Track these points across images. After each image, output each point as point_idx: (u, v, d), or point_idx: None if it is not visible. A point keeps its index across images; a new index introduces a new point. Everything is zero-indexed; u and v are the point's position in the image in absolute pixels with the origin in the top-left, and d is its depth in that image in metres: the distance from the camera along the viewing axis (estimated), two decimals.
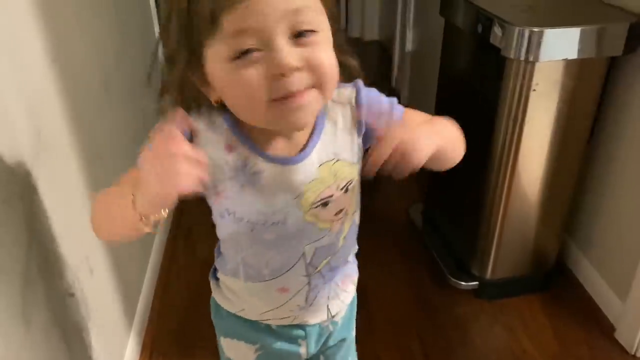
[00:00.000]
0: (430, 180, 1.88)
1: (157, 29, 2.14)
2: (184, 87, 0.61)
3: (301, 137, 0.66)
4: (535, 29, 1.17)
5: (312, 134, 0.67)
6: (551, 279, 1.63)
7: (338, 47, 0.61)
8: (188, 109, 0.62)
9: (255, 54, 0.54)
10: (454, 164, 0.75)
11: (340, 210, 0.71)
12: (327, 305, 0.81)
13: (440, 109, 1.74)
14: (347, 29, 3.96)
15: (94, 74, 1.29)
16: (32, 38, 0.96)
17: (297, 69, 0.54)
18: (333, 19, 0.61)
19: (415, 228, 1.88)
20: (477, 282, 1.60)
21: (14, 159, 0.84)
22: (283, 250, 0.71)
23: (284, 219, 0.68)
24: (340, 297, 0.83)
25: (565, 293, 1.61)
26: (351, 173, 0.70)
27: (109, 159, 1.28)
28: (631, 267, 1.37)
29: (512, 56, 1.21)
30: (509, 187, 1.43)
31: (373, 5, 3.73)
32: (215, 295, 0.84)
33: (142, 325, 1.47)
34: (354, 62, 0.67)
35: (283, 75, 0.54)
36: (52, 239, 0.95)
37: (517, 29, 1.18)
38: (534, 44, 1.18)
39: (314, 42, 0.56)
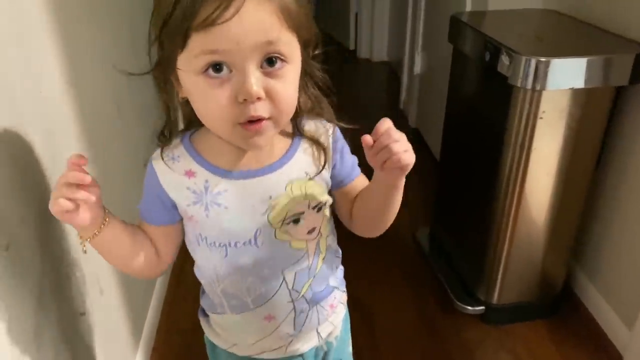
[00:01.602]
0: (437, 204, 1.89)
1: None
2: (165, 83, 0.65)
3: (272, 154, 0.70)
4: (542, 59, 1.19)
5: (286, 152, 0.71)
6: (558, 305, 1.63)
7: (315, 86, 0.69)
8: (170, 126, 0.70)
9: (224, 74, 0.57)
10: (385, 226, 0.76)
11: (313, 229, 0.73)
12: (317, 330, 0.83)
13: (448, 133, 1.76)
14: (355, 50, 4.01)
15: (108, 96, 1.31)
16: (51, 63, 0.98)
17: (260, 98, 0.58)
18: (310, 48, 0.65)
19: (422, 252, 1.89)
20: (483, 307, 1.60)
21: (30, 181, 0.86)
22: (262, 275, 0.73)
23: (254, 237, 0.70)
24: (329, 319, 0.84)
25: (572, 320, 1.60)
26: (322, 195, 0.73)
27: (117, 182, 1.31)
28: (638, 294, 1.37)
29: (519, 85, 1.23)
30: (516, 213, 1.44)
31: (382, 27, 3.78)
32: (207, 332, 0.86)
33: (149, 345, 1.48)
34: (327, 107, 0.72)
35: (246, 100, 0.58)
36: (65, 260, 0.97)
37: (524, 58, 1.20)
38: (541, 73, 1.20)
39: (281, 75, 0.59)
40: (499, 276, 1.55)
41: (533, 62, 1.19)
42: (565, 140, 1.32)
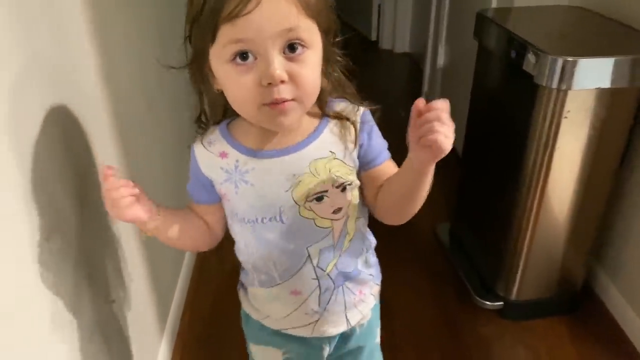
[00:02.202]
0: (458, 200, 1.90)
1: None
2: (201, 75, 0.71)
3: (298, 135, 0.73)
4: (569, 58, 1.19)
5: (312, 132, 0.74)
6: (577, 303, 1.63)
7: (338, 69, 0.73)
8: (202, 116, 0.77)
9: (251, 61, 0.63)
10: (412, 213, 0.75)
11: (339, 209, 0.75)
12: (346, 315, 0.86)
13: (471, 129, 1.76)
14: (377, 41, 4.00)
15: (139, 93, 1.35)
16: (87, 63, 1.02)
17: (283, 82, 0.63)
18: (331, 35, 0.69)
19: (443, 247, 1.90)
20: (502, 303, 1.61)
21: (67, 176, 0.90)
22: (287, 250, 0.77)
23: (279, 213, 0.74)
24: (358, 307, 0.87)
25: (592, 318, 1.61)
26: (347, 174, 0.74)
27: (145, 177, 1.34)
28: None
29: (544, 84, 1.23)
30: (538, 209, 1.44)
31: (405, 18, 3.77)
32: (243, 304, 0.91)
33: (174, 330, 1.53)
34: (351, 90, 0.76)
35: (271, 84, 0.62)
36: (97, 251, 1.01)
37: (550, 58, 1.20)
38: (568, 73, 1.20)
39: (302, 59, 0.64)
40: (519, 272, 1.56)
41: (560, 61, 1.19)
42: (589, 140, 1.32)
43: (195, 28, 0.65)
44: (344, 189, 0.74)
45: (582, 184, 1.40)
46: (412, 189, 0.70)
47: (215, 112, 0.77)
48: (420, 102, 0.61)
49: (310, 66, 0.65)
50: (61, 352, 0.83)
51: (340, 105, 0.76)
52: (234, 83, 0.65)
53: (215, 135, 0.77)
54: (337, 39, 0.72)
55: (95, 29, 1.05)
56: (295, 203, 0.73)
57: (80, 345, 0.89)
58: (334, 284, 0.81)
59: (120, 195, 0.68)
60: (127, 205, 0.69)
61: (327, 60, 0.70)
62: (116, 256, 1.09)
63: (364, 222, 0.82)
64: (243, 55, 0.63)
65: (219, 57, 0.65)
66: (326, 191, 0.73)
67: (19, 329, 0.72)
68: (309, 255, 0.77)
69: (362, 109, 0.76)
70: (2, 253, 0.69)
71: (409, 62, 3.71)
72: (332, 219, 0.76)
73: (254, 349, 0.95)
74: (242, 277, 0.90)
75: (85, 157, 0.96)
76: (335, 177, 0.73)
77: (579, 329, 1.57)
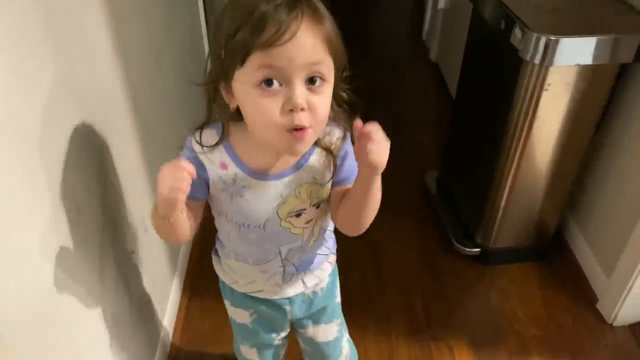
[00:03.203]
0: (447, 148, 2.00)
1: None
2: (215, 93, 0.77)
3: (289, 160, 0.83)
4: (552, 37, 1.26)
5: (301, 160, 0.84)
6: (548, 251, 1.80)
7: (339, 99, 0.80)
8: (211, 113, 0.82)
9: (276, 87, 0.68)
10: (364, 226, 0.85)
11: (310, 220, 0.89)
12: (302, 280, 1.01)
13: (463, 78, 1.85)
14: None
15: (147, 48, 1.42)
16: (95, 20, 1.08)
17: (303, 110, 0.70)
18: (340, 71, 0.76)
19: (429, 194, 2.04)
20: (479, 249, 1.77)
21: (91, 153, 1.01)
22: (263, 249, 0.91)
23: (263, 224, 0.86)
24: (314, 273, 1.01)
25: (559, 264, 1.78)
26: (323, 195, 0.87)
27: (158, 133, 1.45)
28: (619, 248, 1.53)
29: (528, 59, 1.31)
30: (517, 168, 1.55)
31: None
32: (216, 269, 1.05)
33: (183, 271, 1.71)
34: (345, 121, 0.83)
35: (292, 111, 0.69)
36: (119, 207, 1.15)
37: (535, 36, 1.27)
38: (550, 51, 1.27)
39: (320, 91, 0.71)
40: (497, 222, 1.70)
41: (543, 39, 1.26)
42: (568, 111, 1.41)
43: (227, 48, 0.68)
44: (318, 206, 0.87)
45: (559, 148, 1.50)
46: (361, 201, 0.80)
47: (222, 119, 0.82)
48: (357, 123, 0.71)
49: (326, 97, 0.72)
50: (89, 299, 0.99)
51: (331, 138, 0.83)
52: (258, 106, 0.70)
53: (213, 139, 0.81)
54: (344, 74, 0.78)
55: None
56: (278, 217, 0.85)
57: (106, 295, 1.05)
58: (296, 270, 0.97)
59: (184, 179, 0.71)
60: (182, 189, 0.71)
61: (334, 94, 0.77)
62: (133, 212, 1.23)
63: (326, 218, 0.93)
64: (269, 82, 0.68)
65: (245, 80, 0.69)
66: (304, 209, 0.86)
67: (59, 284, 0.87)
68: (280, 252, 0.92)
69: (348, 139, 0.84)
70: (47, 224, 0.83)
71: (413, 1, 3.67)
72: (304, 228, 0.89)
73: (228, 308, 1.11)
74: (218, 247, 1.02)
75: (105, 133, 1.07)
76: (314, 198, 0.86)
77: (547, 274, 1.75)
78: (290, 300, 1.03)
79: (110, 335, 1.06)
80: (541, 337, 1.56)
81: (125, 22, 1.23)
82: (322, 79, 0.71)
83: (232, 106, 0.76)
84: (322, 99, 0.71)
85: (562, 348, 1.53)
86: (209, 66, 0.77)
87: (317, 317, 1.10)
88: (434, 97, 2.71)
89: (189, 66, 1.90)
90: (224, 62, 0.71)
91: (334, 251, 1.05)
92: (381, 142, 0.71)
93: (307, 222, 0.88)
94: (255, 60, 0.67)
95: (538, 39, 1.27)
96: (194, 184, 0.84)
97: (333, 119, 0.81)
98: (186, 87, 1.69)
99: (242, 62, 0.68)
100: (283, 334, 1.14)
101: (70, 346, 0.91)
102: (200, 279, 1.71)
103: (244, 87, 0.70)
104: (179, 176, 0.70)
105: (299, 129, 0.70)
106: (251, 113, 0.73)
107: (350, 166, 0.85)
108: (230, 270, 1.01)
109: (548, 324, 1.60)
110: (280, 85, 0.68)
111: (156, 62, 1.49)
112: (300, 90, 0.68)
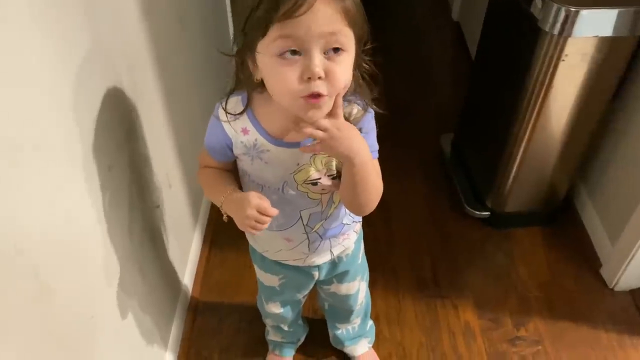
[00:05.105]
0: (462, 112, 2.02)
1: None
2: (242, 64, 0.82)
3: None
4: (572, 9, 1.26)
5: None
6: (557, 215, 1.84)
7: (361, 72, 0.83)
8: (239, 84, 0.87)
9: (294, 56, 0.71)
10: (364, 209, 0.90)
11: (325, 190, 0.93)
12: (331, 250, 1.07)
13: (483, 40, 1.84)
14: None
15: (171, 9, 1.46)
16: None
17: (320, 78, 0.73)
18: (362, 43, 0.79)
19: (444, 156, 2.07)
20: (489, 212, 1.82)
21: (121, 113, 1.07)
22: (284, 211, 0.94)
23: (283, 187, 0.92)
24: (342, 243, 1.07)
25: (566, 230, 1.82)
26: (339, 167, 0.90)
27: (181, 94, 1.50)
28: (625, 217, 1.57)
29: (547, 29, 1.32)
30: (531, 135, 1.58)
31: None
32: (247, 236, 1.11)
33: (204, 223, 1.79)
34: (367, 95, 0.86)
35: (310, 78, 0.72)
36: (145, 162, 1.21)
37: (555, 6, 1.27)
38: (569, 22, 1.28)
39: (339, 60, 0.74)
40: (507, 187, 1.74)
41: (563, 11, 1.27)
42: (584, 81, 1.42)
43: (249, 22, 0.72)
44: (334, 178, 0.92)
45: (573, 117, 1.52)
46: (353, 187, 0.85)
47: (247, 89, 0.87)
48: (307, 130, 0.76)
49: (344, 67, 0.74)
50: (120, 252, 1.07)
51: (350, 109, 0.85)
52: (277, 75, 0.73)
53: (238, 107, 0.87)
54: (367, 47, 0.81)
55: None
56: (295, 182, 0.91)
57: (133, 249, 1.13)
58: (321, 238, 1.02)
59: (264, 222, 0.84)
60: (255, 228, 0.85)
61: (356, 65, 0.79)
62: (159, 170, 1.29)
63: None
64: (289, 51, 0.71)
65: (266, 50, 0.72)
66: (319, 178, 0.91)
67: (92, 235, 0.95)
68: (301, 217, 0.97)
69: (369, 115, 0.87)
70: (84, 181, 0.90)
71: None
72: (321, 194, 0.94)
73: (258, 272, 1.18)
74: None
75: (131, 94, 1.12)
76: (329, 170, 0.90)
77: (553, 238, 1.80)
78: (318, 267, 1.10)
79: (136, 289, 1.15)
80: (542, 298, 1.63)
81: None
82: (340, 48, 0.73)
83: (257, 77, 0.80)
84: (341, 68, 0.74)
85: (562, 310, 1.60)
86: (233, 39, 0.81)
87: (341, 277, 1.18)
88: (454, 57, 2.70)
89: (212, 33, 1.92)
90: (247, 35, 0.75)
91: (360, 219, 1.09)
92: (333, 137, 0.76)
93: (323, 190, 0.93)
94: (274, 31, 0.70)
95: (558, 10, 1.28)
96: (217, 150, 0.92)
97: (354, 91, 0.85)
98: (209, 52, 1.73)
99: (263, 34, 0.71)
100: (307, 292, 1.23)
101: (102, 297, 1.00)
102: (221, 230, 1.79)
103: (265, 57, 0.74)
104: (263, 219, 0.83)
105: (315, 96, 0.74)
106: (272, 82, 0.77)
107: (370, 145, 0.86)
108: (258, 237, 1.06)
109: (551, 286, 1.66)
110: (300, 54, 0.71)
111: (181, 28, 1.53)
112: (317, 59, 0.71)
